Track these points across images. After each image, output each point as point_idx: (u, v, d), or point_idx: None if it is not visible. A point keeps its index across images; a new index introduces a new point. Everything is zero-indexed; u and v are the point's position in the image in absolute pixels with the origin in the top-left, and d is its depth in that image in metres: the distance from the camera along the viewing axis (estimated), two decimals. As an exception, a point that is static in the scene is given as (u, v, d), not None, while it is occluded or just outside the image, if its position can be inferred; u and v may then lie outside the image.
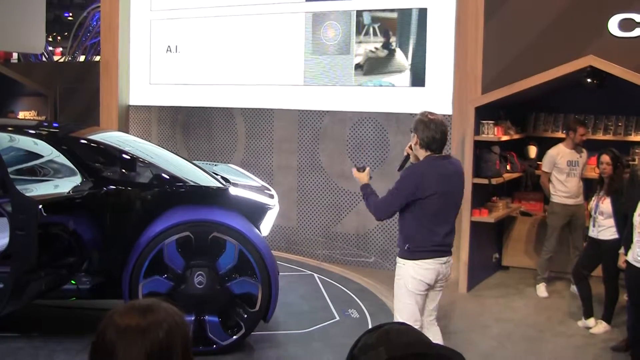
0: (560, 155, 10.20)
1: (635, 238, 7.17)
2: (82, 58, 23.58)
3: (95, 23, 22.83)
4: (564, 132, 10.78)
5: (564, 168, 10.15)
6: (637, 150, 10.64)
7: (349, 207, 11.63)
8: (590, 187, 9.56)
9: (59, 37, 36.53)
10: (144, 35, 13.64)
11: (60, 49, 32.45)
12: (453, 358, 2.11)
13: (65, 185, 7.69)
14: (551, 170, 10.27)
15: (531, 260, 11.09)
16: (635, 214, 7.22)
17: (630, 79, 9.35)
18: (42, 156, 8.56)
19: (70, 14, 34.14)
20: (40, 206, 6.82)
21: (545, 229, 10.53)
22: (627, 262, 7.37)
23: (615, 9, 9.45)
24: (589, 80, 9.96)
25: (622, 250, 7.73)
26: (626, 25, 9.40)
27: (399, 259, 6.40)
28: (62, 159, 8.12)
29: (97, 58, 16.03)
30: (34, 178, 8.24)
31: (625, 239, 7.52)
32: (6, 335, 7.78)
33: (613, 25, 9.45)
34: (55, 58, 27.43)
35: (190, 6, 13.06)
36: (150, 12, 13.53)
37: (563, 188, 10.18)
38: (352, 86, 11.60)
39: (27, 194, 6.83)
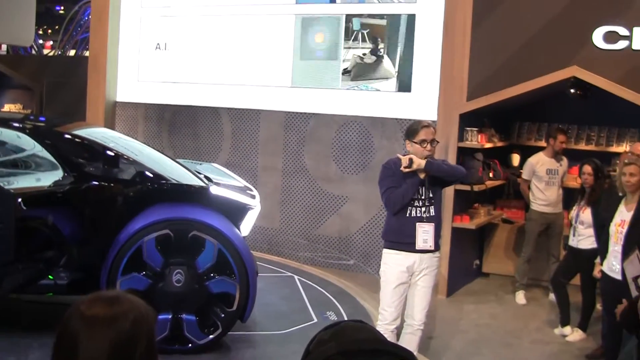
0: (540, 163, 10.28)
1: (611, 248, 7.24)
2: (72, 52, 23.54)
3: (86, 17, 22.74)
4: (546, 140, 10.86)
5: (543, 176, 10.23)
6: (618, 161, 10.69)
7: (332, 210, 11.65)
8: (571, 197, 9.62)
9: (49, 31, 36.44)
10: (133, 31, 13.62)
11: (51, 42, 32.38)
12: (403, 356, 2.14)
13: (46, 179, 7.70)
14: (530, 178, 10.35)
15: (511, 268, 11.13)
16: (612, 224, 7.30)
17: (613, 91, 9.43)
18: (24, 149, 8.56)
19: (62, 8, 34.04)
20: (20, 199, 6.84)
21: (525, 237, 10.61)
22: (602, 271, 7.45)
23: (600, 21, 9.51)
24: (572, 90, 10.05)
25: (598, 260, 7.80)
26: (610, 37, 9.46)
27: (437, 253, 6.91)
28: (44, 153, 8.12)
29: (87, 53, 16.00)
30: (15, 171, 8.24)
31: (601, 249, 7.59)
32: (-18, 329, 7.80)
33: (597, 37, 9.52)
34: (45, 51, 27.38)
35: (181, 4, 13.06)
36: (140, 8, 13.51)
37: (542, 196, 10.26)
38: (338, 89, 11.63)
39: (7, 187, 6.85)
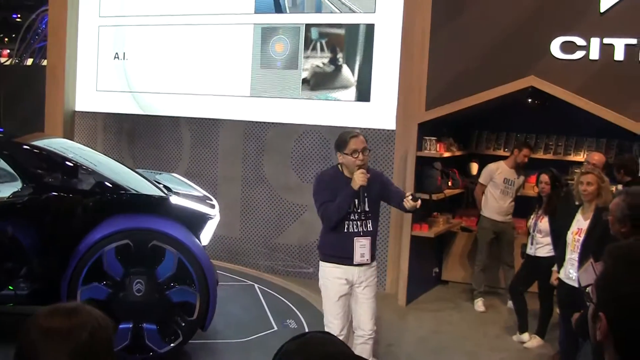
0: (499, 170, 10.36)
1: (568, 256, 7.33)
2: (29, 61, 23.36)
3: (44, 26, 22.48)
4: (507, 150, 10.94)
5: (499, 184, 10.32)
6: (575, 170, 10.78)
7: (292, 218, 11.68)
8: (528, 205, 9.69)
9: (6, 39, 36.14)
10: (91, 41, 13.58)
11: (8, 51, 32.11)
12: None
13: (5, 190, 7.68)
14: (487, 183, 10.43)
15: (470, 275, 11.19)
16: (569, 233, 7.38)
17: (571, 101, 9.52)
18: (-18, 162, 8.54)
19: (19, 16, 33.74)
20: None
21: (481, 245, 10.70)
22: (559, 279, 7.54)
23: (557, 31, 9.62)
24: (530, 100, 10.14)
25: (555, 268, 7.89)
26: (567, 47, 9.57)
27: (373, 264, 6.85)
28: (3, 164, 8.10)
29: (45, 62, 15.86)
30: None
31: (558, 257, 7.68)
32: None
33: (555, 47, 9.62)
34: (2, 60, 27.13)
35: (139, 14, 13.05)
36: (98, 18, 13.47)
37: (495, 204, 10.36)
38: (297, 99, 11.67)
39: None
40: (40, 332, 2.32)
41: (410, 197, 6.57)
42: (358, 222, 6.66)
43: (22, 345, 2.35)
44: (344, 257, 6.67)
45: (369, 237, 6.70)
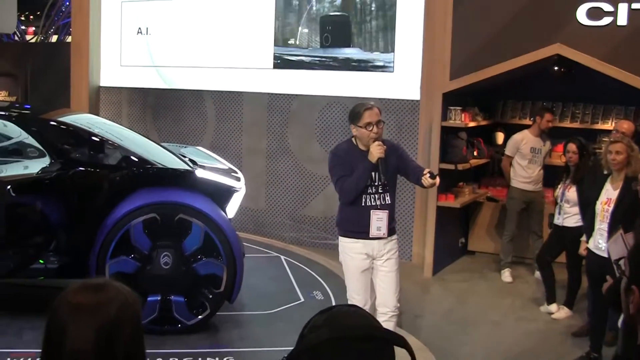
0: (524, 140, 10.28)
1: (597, 226, 7.29)
2: (54, 38, 23.42)
3: (68, 3, 22.60)
4: (532, 119, 10.85)
5: (526, 154, 10.24)
6: (603, 139, 10.68)
7: (317, 190, 11.69)
8: (556, 175, 9.63)
9: (31, 17, 36.21)
10: (115, 16, 13.59)
11: (33, 28, 32.18)
12: (395, 342, 2.18)
13: (34, 166, 7.73)
14: (514, 155, 10.34)
15: (497, 246, 11.16)
16: (598, 203, 7.34)
17: (598, 68, 9.40)
18: (11, 137, 8.61)
19: (43, -7, 33.76)
20: (9, 186, 6.96)
21: (509, 214, 10.64)
22: (587, 249, 7.50)
23: (584, -3, 9.53)
24: (556, 68, 10.05)
25: (584, 238, 7.84)
26: (594, 14, 9.45)
27: (393, 237, 6.75)
28: (31, 140, 8.16)
29: (70, 38, 15.91)
30: (3, 159, 8.27)
31: (587, 227, 7.63)
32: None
33: (581, 13, 9.50)
34: (28, 37, 27.21)
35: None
36: (121, -7, 13.51)
37: (524, 173, 10.28)
38: (321, 70, 11.64)
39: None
40: (69, 308, 2.35)
41: (428, 175, 6.44)
42: (375, 196, 6.55)
43: (51, 320, 2.38)
44: (362, 231, 6.59)
45: (387, 210, 6.60)
